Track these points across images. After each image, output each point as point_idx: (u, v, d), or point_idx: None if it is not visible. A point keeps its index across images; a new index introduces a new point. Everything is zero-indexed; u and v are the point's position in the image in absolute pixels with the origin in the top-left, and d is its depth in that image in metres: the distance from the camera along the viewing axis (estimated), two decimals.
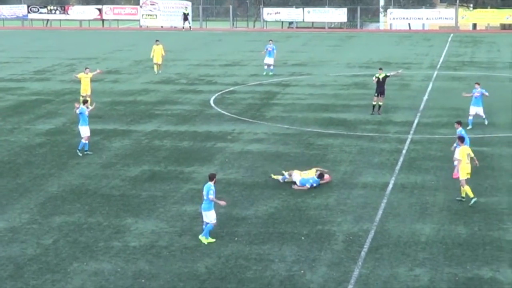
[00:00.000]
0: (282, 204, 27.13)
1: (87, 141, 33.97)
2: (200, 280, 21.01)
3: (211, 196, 23.19)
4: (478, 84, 38.79)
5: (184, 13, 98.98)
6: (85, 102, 35.53)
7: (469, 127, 38.24)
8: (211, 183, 23.37)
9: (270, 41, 57.86)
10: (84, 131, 33.85)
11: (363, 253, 22.68)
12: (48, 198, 28.08)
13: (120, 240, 23.84)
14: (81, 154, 33.70)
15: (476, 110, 38.38)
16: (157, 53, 58.08)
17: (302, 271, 21.46)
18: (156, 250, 23.08)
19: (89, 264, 22.01)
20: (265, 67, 57.67)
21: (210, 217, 23.32)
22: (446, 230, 24.54)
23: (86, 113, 33.85)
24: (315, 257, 22.45)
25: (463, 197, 27.09)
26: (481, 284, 20.66)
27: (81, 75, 44.30)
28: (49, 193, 28.68)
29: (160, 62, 58.31)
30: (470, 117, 38.53)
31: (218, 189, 23.39)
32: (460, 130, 29.92)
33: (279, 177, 29.71)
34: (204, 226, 23.58)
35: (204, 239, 23.41)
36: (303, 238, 23.93)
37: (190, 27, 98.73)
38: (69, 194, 28.47)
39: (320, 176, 29.26)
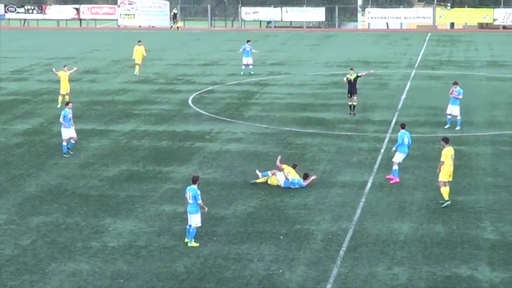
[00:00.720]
0: (261, 204, 27.12)
1: (66, 143, 33.79)
2: (179, 280, 20.97)
3: (200, 202, 23.08)
4: (456, 83, 38.76)
5: (174, 13, 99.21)
6: (67, 103, 35.30)
7: (447, 125, 38.42)
8: (196, 187, 23.23)
9: (249, 41, 57.84)
10: (65, 133, 33.65)
11: (341, 252, 22.71)
12: (26, 198, 27.92)
13: (98, 240, 23.75)
14: (71, 153, 33.56)
15: (452, 109, 38.42)
16: (138, 53, 57.81)
17: (281, 271, 21.45)
18: (135, 250, 23.01)
19: (67, 265, 21.90)
20: (243, 67, 57.62)
21: (196, 220, 23.15)
22: (425, 228, 24.61)
23: (69, 115, 33.64)
24: (294, 256, 22.46)
25: (447, 201, 26.91)
26: (459, 282, 20.73)
27: (60, 73, 44.26)
28: (27, 193, 28.52)
29: (140, 63, 58.04)
30: (449, 116, 38.63)
31: None
32: (401, 133, 29.87)
33: (261, 178, 29.58)
34: (188, 227, 23.46)
35: (194, 243, 23.27)
36: (281, 237, 23.93)
37: (171, 26, 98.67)
38: (47, 195, 28.34)
39: (305, 177, 29.19)
